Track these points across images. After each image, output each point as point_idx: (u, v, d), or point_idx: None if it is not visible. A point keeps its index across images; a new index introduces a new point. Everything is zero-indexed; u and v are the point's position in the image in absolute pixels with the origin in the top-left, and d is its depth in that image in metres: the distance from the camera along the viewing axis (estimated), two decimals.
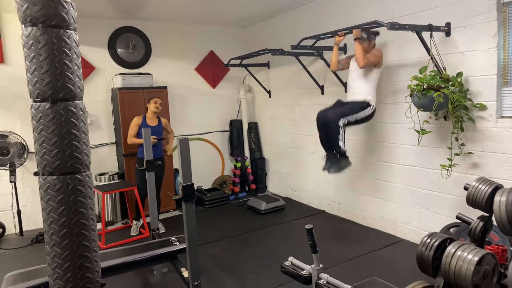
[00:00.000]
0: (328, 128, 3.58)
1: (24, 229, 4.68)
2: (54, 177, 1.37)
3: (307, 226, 1.64)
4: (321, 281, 1.63)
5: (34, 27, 1.32)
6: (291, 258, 1.85)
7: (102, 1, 4.37)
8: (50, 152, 1.36)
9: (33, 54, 1.33)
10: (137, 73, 5.18)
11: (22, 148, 4.48)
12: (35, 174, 1.40)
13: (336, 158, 3.61)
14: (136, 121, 4.53)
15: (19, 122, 4.68)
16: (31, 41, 1.32)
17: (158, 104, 4.51)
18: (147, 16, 5.20)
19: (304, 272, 1.72)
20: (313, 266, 1.69)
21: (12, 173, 4.49)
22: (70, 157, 1.38)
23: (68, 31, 1.37)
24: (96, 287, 1.44)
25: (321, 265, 1.68)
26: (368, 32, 3.59)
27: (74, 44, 1.40)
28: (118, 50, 5.28)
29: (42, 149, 1.36)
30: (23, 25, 1.36)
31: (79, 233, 1.38)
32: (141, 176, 4.40)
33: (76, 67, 1.41)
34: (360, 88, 3.64)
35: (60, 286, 1.38)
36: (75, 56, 1.41)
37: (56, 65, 1.33)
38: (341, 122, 3.51)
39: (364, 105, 3.58)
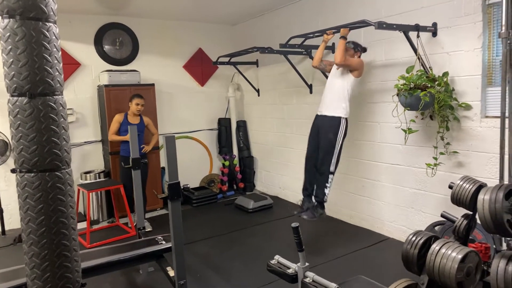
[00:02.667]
0: (318, 175, 3.63)
1: (6, 228, 4.57)
2: (32, 174, 1.32)
3: (293, 225, 1.64)
4: (306, 280, 1.62)
5: (11, 19, 1.27)
6: (277, 257, 1.84)
7: None
8: (28, 148, 1.31)
9: (10, 47, 1.29)
10: (124, 70, 5.11)
11: (5, 146, 4.38)
12: (12, 171, 1.36)
13: (312, 206, 3.66)
14: (118, 118, 4.52)
15: (1, 119, 4.57)
16: (8, 34, 1.27)
17: (140, 106, 4.48)
18: (135, 12, 5.13)
19: (290, 271, 1.71)
20: (299, 264, 1.69)
21: None
22: (49, 153, 1.33)
23: (47, 23, 1.32)
24: (76, 287, 1.40)
25: (307, 264, 1.68)
26: (355, 43, 3.62)
27: (54, 37, 1.35)
28: (105, 46, 5.20)
29: (20, 145, 1.31)
30: (0, 17, 1.31)
31: (58, 232, 1.34)
32: (125, 174, 4.37)
33: (56, 61, 1.37)
34: (333, 97, 3.58)
35: (39, 287, 1.34)
36: (55, 49, 1.36)
37: (34, 58, 1.29)
38: (332, 167, 3.57)
39: (336, 123, 3.53)
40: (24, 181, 1.34)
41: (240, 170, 6.08)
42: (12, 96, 1.34)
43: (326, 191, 3.58)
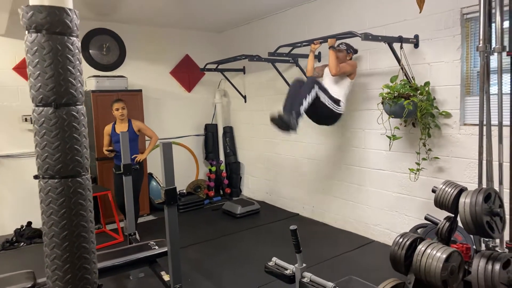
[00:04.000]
0: (301, 88, 3.43)
1: None
2: (56, 180, 1.38)
3: (292, 227, 1.72)
4: (304, 280, 1.71)
5: (38, 34, 1.33)
6: (274, 259, 1.92)
7: (75, 2, 4.27)
8: (52, 155, 1.36)
9: (37, 60, 1.34)
10: (111, 75, 5.11)
11: None
12: (35, 177, 1.40)
13: (288, 119, 3.35)
14: (107, 130, 4.31)
15: None
16: (36, 47, 1.33)
17: (121, 110, 4.23)
18: (122, 19, 5.14)
19: (287, 272, 1.79)
20: (296, 265, 1.77)
21: None
22: (72, 160, 1.39)
23: (71, 38, 1.38)
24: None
25: (304, 265, 1.76)
26: (348, 45, 3.76)
27: (77, 50, 1.41)
28: (92, 51, 5.18)
29: (44, 152, 1.36)
30: (27, 31, 1.35)
31: (79, 235, 1.39)
32: (119, 182, 4.17)
33: (78, 73, 1.42)
34: (332, 91, 3.70)
35: None
36: (78, 62, 1.42)
37: (60, 71, 1.34)
38: (316, 88, 3.42)
39: (336, 100, 3.60)
40: (48, 186, 1.38)
41: (226, 176, 6.13)
42: (37, 106, 1.39)
43: (303, 105, 3.37)
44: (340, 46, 3.70)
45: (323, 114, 3.61)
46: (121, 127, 4.30)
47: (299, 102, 3.36)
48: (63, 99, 1.38)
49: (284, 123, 3.27)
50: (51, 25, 1.33)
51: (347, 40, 3.91)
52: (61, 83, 1.36)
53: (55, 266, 1.37)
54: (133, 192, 4.18)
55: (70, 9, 1.39)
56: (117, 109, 4.24)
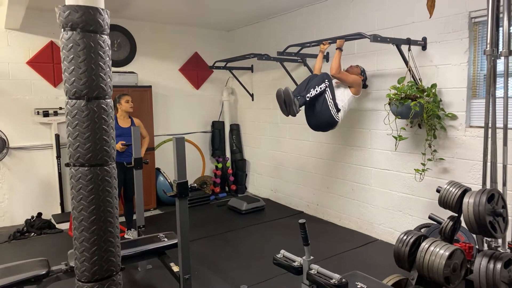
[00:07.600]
0: (315, 79, 3.64)
1: (0, 225, 4.58)
2: (86, 168, 1.48)
3: (301, 221, 1.79)
4: (311, 271, 1.78)
5: (74, 31, 1.43)
6: (282, 251, 1.99)
7: None
8: (84, 145, 1.46)
9: (72, 56, 1.43)
10: (121, 71, 5.20)
11: (2, 143, 4.40)
12: (67, 165, 1.49)
13: (291, 100, 3.50)
14: None
15: None
16: (71, 44, 1.42)
17: (131, 102, 4.20)
18: (133, 15, 5.23)
19: (295, 264, 1.86)
20: (304, 257, 1.84)
21: None
22: (101, 150, 1.49)
23: (103, 36, 1.48)
24: (117, 270, 1.54)
25: (312, 257, 1.83)
26: (364, 70, 3.92)
27: (107, 48, 1.50)
28: None
29: (76, 142, 1.46)
30: (63, 29, 1.44)
31: (106, 220, 1.49)
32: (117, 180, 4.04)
33: (108, 69, 1.52)
34: (336, 97, 3.72)
35: (87, 268, 1.48)
36: (108, 58, 1.51)
37: (92, 66, 1.44)
38: (326, 83, 3.58)
39: (337, 107, 3.64)
40: (79, 174, 1.48)
41: (232, 173, 6.21)
42: (70, 98, 1.48)
43: (310, 93, 3.56)
44: (359, 65, 3.86)
45: (321, 117, 3.64)
46: (125, 122, 4.24)
47: (307, 90, 3.57)
48: (94, 93, 1.48)
49: (287, 102, 3.50)
50: (86, 23, 1.42)
51: (356, 42, 3.96)
52: (93, 77, 1.46)
53: (83, 248, 1.47)
54: (129, 188, 4.18)
55: (102, 9, 1.48)
56: (127, 101, 4.19)
